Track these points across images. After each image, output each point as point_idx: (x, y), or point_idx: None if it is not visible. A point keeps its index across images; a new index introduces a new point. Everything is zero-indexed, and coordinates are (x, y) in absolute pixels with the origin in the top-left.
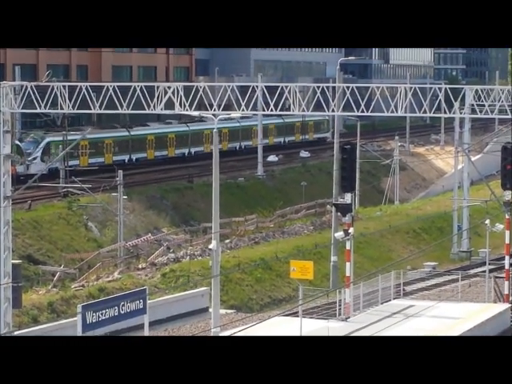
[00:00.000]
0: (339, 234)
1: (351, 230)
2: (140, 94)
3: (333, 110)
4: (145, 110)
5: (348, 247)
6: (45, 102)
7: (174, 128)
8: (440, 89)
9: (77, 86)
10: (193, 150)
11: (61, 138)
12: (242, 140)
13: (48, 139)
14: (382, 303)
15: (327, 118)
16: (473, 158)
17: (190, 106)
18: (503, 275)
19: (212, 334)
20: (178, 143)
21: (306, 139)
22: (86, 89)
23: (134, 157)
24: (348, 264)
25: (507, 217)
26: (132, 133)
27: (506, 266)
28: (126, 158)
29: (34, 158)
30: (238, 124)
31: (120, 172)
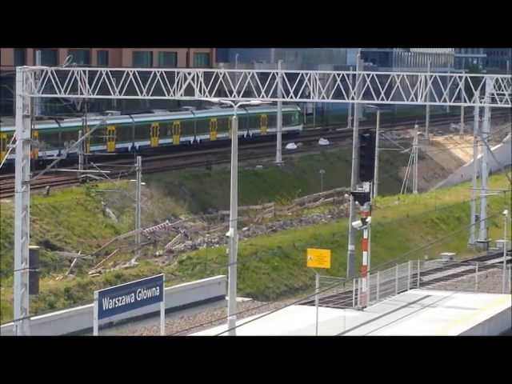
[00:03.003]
0: (357, 223)
1: (369, 219)
2: (160, 80)
3: (352, 98)
4: (164, 95)
5: (365, 236)
6: (65, 87)
7: (114, 120)
8: (460, 78)
9: (97, 71)
10: (137, 145)
11: None
12: (198, 133)
13: None
14: (398, 293)
15: (299, 109)
16: (492, 148)
17: (210, 92)
18: None
19: (228, 323)
20: (119, 137)
21: (273, 132)
22: (106, 74)
23: (62, 151)
24: (365, 253)
25: None
26: (62, 125)
27: None
28: (55, 152)
29: None
30: (192, 116)
31: (139, 158)
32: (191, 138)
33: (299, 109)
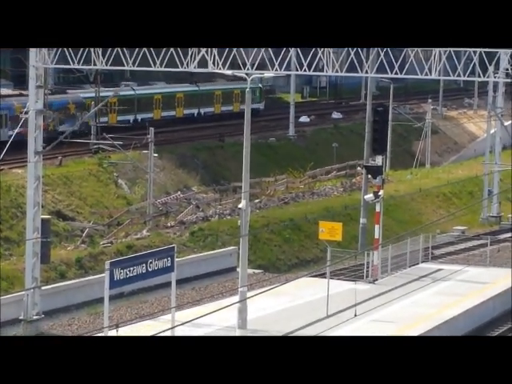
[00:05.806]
0: (369, 196)
1: (381, 193)
2: (173, 52)
3: (366, 72)
4: (178, 67)
5: (378, 209)
6: (78, 58)
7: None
8: (475, 52)
9: None
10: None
11: None
12: (139, 112)
13: None
14: (410, 266)
15: (260, 85)
16: (506, 123)
17: (224, 64)
18: None
19: (239, 294)
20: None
21: (229, 111)
22: None
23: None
24: (377, 226)
25: None
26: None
27: None
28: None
29: None
30: (132, 93)
31: (151, 129)
32: (131, 117)
33: (260, 85)
